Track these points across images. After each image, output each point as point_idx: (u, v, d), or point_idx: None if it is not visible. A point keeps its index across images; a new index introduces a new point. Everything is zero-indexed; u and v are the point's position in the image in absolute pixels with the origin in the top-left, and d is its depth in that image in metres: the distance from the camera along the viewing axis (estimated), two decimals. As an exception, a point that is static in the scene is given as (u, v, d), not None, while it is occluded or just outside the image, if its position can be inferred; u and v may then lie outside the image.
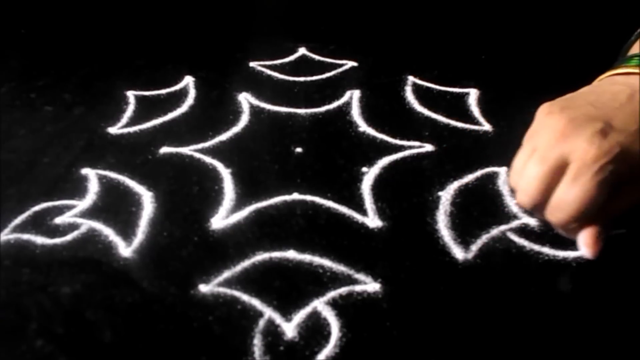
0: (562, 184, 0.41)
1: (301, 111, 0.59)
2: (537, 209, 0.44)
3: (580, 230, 0.42)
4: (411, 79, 0.64)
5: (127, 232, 0.45)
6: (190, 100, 0.61)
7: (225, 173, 0.51)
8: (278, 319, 0.39)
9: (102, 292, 0.40)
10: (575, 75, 0.65)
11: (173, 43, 0.73)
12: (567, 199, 0.40)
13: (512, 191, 0.47)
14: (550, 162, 0.41)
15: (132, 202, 0.48)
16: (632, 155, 0.41)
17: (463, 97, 0.61)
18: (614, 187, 0.40)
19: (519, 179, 0.44)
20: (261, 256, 0.43)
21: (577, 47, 0.68)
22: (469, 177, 0.50)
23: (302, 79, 0.64)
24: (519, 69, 0.65)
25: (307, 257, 0.43)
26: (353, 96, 0.61)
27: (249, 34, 0.76)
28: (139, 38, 0.73)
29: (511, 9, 0.77)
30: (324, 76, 0.65)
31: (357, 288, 0.41)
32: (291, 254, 0.43)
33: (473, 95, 0.61)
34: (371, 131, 0.56)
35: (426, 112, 0.59)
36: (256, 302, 0.40)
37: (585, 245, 0.42)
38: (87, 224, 0.46)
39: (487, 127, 0.57)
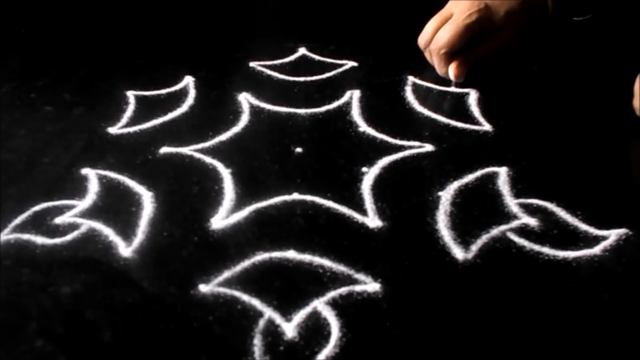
0: (444, 26, 0.61)
1: (301, 111, 0.59)
2: (427, 45, 0.63)
3: (450, 62, 0.61)
4: (411, 79, 0.64)
5: (127, 232, 0.45)
6: (190, 100, 0.61)
7: (225, 173, 0.51)
8: (278, 319, 0.39)
9: (102, 292, 0.40)
10: (575, 75, 0.65)
11: (173, 43, 0.73)
12: (444, 31, 0.60)
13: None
14: (442, 14, 0.62)
15: (132, 202, 0.48)
16: (495, 13, 0.61)
17: (463, 97, 0.61)
18: (478, 32, 0.60)
19: (424, 29, 0.63)
20: (261, 256, 0.43)
21: (576, 47, 0.68)
22: (469, 177, 0.50)
23: (302, 79, 0.64)
24: (518, 69, 0.65)
25: (307, 257, 0.43)
26: (353, 96, 0.61)
27: (249, 34, 0.76)
28: (139, 38, 0.74)
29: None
30: (324, 76, 0.65)
31: (357, 288, 0.41)
32: (291, 254, 0.43)
33: (473, 95, 0.61)
34: (371, 131, 0.56)
35: (426, 112, 0.59)
36: (256, 302, 0.40)
37: (451, 69, 0.61)
38: (87, 224, 0.46)
39: (487, 127, 0.57)
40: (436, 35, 0.61)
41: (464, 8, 0.60)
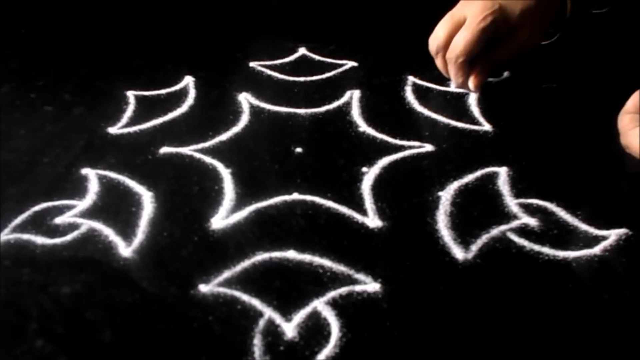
0: (459, 31, 0.57)
1: (301, 111, 0.59)
2: (440, 50, 0.59)
3: (468, 73, 0.58)
4: (411, 79, 0.64)
5: (127, 232, 0.45)
6: (190, 100, 0.61)
7: (225, 173, 0.51)
8: (278, 319, 0.39)
9: (102, 292, 0.40)
10: (574, 75, 0.65)
11: (173, 43, 0.73)
12: (460, 38, 0.56)
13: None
14: (453, 18, 0.58)
15: (132, 202, 0.48)
16: (510, 13, 0.57)
17: (463, 97, 0.61)
18: (494, 35, 0.57)
19: (435, 33, 0.60)
20: (261, 256, 0.43)
21: (575, 47, 0.68)
22: (469, 177, 0.50)
23: (302, 79, 0.64)
24: (518, 69, 0.65)
25: (307, 257, 0.43)
26: (353, 96, 0.61)
27: (249, 34, 0.76)
28: (139, 38, 0.74)
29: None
30: (324, 76, 0.65)
31: (357, 288, 0.41)
32: (291, 254, 0.43)
33: (473, 95, 0.61)
34: (371, 131, 0.56)
35: (426, 112, 0.59)
36: (256, 302, 0.40)
37: (470, 80, 0.59)
38: (87, 224, 0.46)
39: (487, 127, 0.57)
40: (452, 43, 0.57)
41: (477, 11, 0.56)
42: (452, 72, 0.59)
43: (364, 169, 0.51)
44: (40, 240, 0.44)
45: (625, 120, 0.52)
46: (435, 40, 0.59)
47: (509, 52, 0.59)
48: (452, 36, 0.57)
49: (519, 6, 0.57)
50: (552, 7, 0.59)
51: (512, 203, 0.48)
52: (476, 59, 0.58)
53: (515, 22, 0.57)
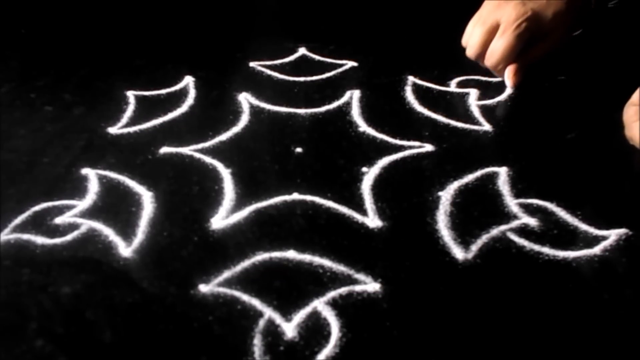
0: (494, 38, 0.60)
1: (301, 111, 0.59)
2: (479, 57, 0.62)
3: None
4: (411, 79, 0.64)
5: (127, 232, 0.45)
6: (190, 100, 0.61)
7: (225, 173, 0.51)
8: (278, 319, 0.39)
9: (102, 292, 0.40)
10: (574, 74, 0.65)
11: (173, 43, 0.73)
12: (497, 47, 0.60)
13: (464, 48, 0.63)
14: (488, 24, 0.60)
15: (132, 202, 0.48)
16: (542, 17, 0.59)
17: (463, 97, 0.61)
18: (528, 40, 0.59)
19: (468, 38, 0.62)
20: (261, 256, 0.43)
21: (575, 47, 0.68)
22: (469, 177, 0.50)
23: (302, 79, 0.64)
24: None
25: (307, 257, 0.43)
26: (353, 96, 0.61)
27: (249, 34, 0.76)
28: (139, 38, 0.74)
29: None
30: (324, 76, 0.65)
31: (357, 288, 0.41)
32: (291, 254, 0.43)
33: (473, 95, 0.61)
34: (371, 131, 0.56)
35: (426, 112, 0.59)
36: (256, 302, 0.40)
37: (507, 77, 0.61)
38: (87, 224, 0.46)
39: (487, 127, 0.57)
40: (489, 51, 0.60)
41: (511, 17, 0.58)
42: (494, 72, 0.63)
43: (364, 169, 0.51)
44: (40, 240, 0.44)
45: (630, 112, 0.52)
46: (471, 49, 0.62)
47: (542, 52, 0.62)
48: (488, 43, 0.60)
49: (551, 10, 0.59)
50: (578, 6, 0.62)
51: (512, 203, 0.48)
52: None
53: (547, 25, 0.60)
